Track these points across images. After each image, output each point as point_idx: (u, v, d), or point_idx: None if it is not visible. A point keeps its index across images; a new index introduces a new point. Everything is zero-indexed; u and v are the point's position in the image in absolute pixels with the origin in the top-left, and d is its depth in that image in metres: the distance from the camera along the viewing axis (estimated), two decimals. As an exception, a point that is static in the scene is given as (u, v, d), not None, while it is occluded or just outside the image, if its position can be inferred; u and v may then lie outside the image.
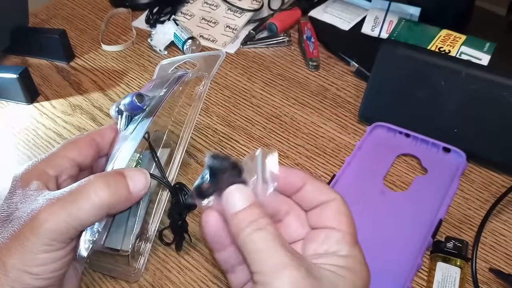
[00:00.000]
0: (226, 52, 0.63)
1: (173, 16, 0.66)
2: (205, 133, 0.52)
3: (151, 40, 0.64)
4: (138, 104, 0.39)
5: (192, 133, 0.52)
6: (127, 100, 0.39)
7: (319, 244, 0.31)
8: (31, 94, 0.57)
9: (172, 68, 0.47)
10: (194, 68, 0.46)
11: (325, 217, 0.31)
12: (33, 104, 0.57)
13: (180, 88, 0.43)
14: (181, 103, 0.44)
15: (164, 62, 0.47)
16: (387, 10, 0.64)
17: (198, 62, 0.46)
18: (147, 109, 0.40)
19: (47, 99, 0.58)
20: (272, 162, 0.30)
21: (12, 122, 0.55)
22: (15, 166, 0.50)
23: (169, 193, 0.40)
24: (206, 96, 0.57)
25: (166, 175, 0.40)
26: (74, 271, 0.37)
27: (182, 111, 0.44)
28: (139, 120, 0.39)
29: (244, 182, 0.30)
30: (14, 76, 0.55)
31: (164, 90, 0.41)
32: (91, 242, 0.34)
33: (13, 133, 0.54)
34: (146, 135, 0.40)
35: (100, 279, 0.40)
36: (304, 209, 0.33)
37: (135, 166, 0.40)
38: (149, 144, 0.40)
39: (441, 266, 0.39)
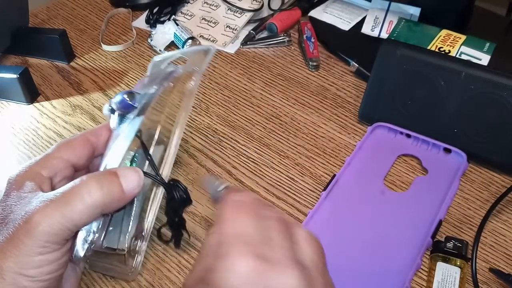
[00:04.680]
0: (226, 52, 0.63)
1: (173, 16, 0.66)
2: (205, 133, 0.52)
3: (151, 40, 0.64)
4: (129, 102, 0.39)
5: (192, 133, 0.52)
6: (118, 99, 0.39)
7: None
8: (31, 94, 0.57)
9: (164, 65, 0.46)
10: (185, 64, 0.46)
11: None
12: (33, 104, 0.57)
13: (171, 84, 0.43)
14: (173, 99, 0.44)
15: (157, 58, 0.47)
16: (387, 10, 0.64)
17: (189, 58, 0.46)
18: (138, 106, 0.40)
19: (47, 99, 0.58)
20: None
21: (12, 122, 0.55)
22: (15, 166, 0.50)
23: (164, 189, 0.40)
24: (206, 97, 0.57)
25: (160, 172, 0.40)
26: (73, 272, 0.37)
27: (174, 107, 0.44)
28: (131, 118, 0.39)
29: None
30: (14, 76, 0.55)
31: (155, 87, 0.41)
32: (88, 242, 0.34)
33: (13, 133, 0.54)
34: (139, 133, 0.40)
35: (100, 279, 0.40)
36: None
37: (130, 165, 0.40)
38: (141, 142, 0.40)
39: (441, 266, 0.39)
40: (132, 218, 0.37)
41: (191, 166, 0.49)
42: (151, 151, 0.40)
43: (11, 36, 0.62)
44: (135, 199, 0.37)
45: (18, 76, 0.55)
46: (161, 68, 0.45)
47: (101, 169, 0.37)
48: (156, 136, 0.42)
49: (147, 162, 0.39)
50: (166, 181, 0.39)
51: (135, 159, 0.40)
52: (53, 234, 0.31)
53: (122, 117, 0.40)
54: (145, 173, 0.36)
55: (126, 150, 0.37)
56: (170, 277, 0.40)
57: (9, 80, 0.55)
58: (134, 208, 0.37)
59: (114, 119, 0.40)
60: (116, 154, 0.37)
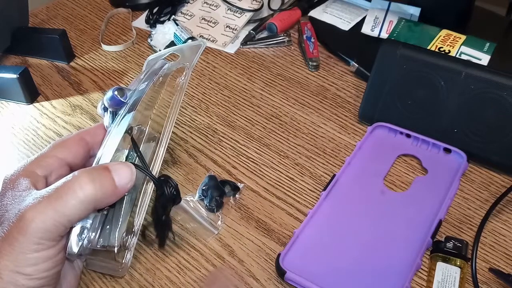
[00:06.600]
0: (226, 52, 0.63)
1: (173, 16, 0.66)
2: (205, 133, 0.52)
3: (151, 40, 0.64)
4: (119, 98, 0.39)
5: (192, 133, 0.52)
6: (109, 95, 0.39)
7: None
8: (31, 94, 0.57)
9: (157, 62, 0.46)
10: (176, 60, 0.45)
11: None
12: (33, 104, 0.57)
13: (160, 78, 0.43)
14: (164, 95, 0.44)
15: (151, 57, 0.47)
16: (387, 10, 0.64)
17: (181, 54, 0.46)
18: (129, 102, 0.40)
19: (47, 99, 0.58)
20: None
21: (12, 122, 0.55)
22: (15, 166, 0.50)
23: (153, 186, 0.39)
24: (206, 97, 0.57)
25: (151, 168, 0.40)
26: (71, 270, 0.37)
27: (165, 103, 0.44)
28: (122, 114, 0.39)
29: None
30: (14, 76, 0.55)
31: (145, 83, 0.41)
32: (82, 238, 0.34)
33: (13, 133, 0.54)
34: (129, 130, 0.40)
35: (100, 278, 0.40)
36: None
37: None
38: (132, 139, 0.40)
39: (441, 266, 0.39)
40: (122, 214, 0.37)
41: (191, 166, 0.49)
42: (142, 147, 0.40)
43: (11, 36, 0.62)
44: (125, 195, 0.36)
45: (18, 76, 0.54)
46: (154, 65, 0.46)
47: (94, 165, 0.37)
48: (146, 132, 0.42)
49: (143, 159, 0.39)
50: (157, 177, 0.39)
51: (130, 157, 0.40)
52: (47, 231, 0.31)
53: (114, 114, 0.40)
54: (136, 166, 0.36)
55: (116, 146, 0.37)
56: (170, 277, 0.40)
57: (9, 80, 0.55)
58: (124, 204, 0.37)
59: (107, 117, 0.40)
60: (107, 151, 0.37)
